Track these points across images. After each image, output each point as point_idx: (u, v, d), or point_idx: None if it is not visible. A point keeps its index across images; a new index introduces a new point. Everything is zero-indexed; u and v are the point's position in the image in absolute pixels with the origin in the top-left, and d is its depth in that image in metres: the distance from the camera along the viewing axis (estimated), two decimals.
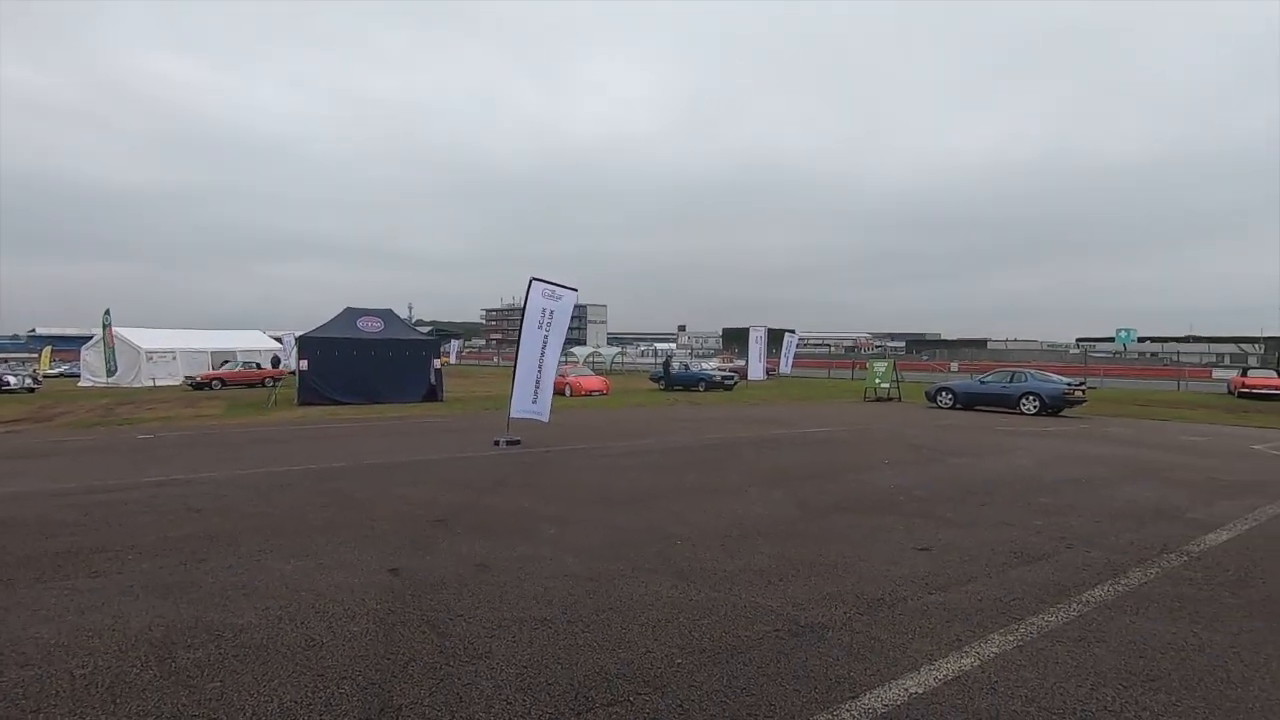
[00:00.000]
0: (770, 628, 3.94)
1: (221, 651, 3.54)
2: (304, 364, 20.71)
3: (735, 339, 70.14)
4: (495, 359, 70.94)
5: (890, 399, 25.17)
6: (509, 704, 3.05)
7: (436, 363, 22.80)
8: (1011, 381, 20.43)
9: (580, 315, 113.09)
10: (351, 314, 22.31)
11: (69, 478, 8.73)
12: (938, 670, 3.42)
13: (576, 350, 57.32)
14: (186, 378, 30.25)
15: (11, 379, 30.08)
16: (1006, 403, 20.11)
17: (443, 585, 4.58)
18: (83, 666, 3.37)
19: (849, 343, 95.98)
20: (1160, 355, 59.96)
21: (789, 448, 12.11)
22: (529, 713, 2.98)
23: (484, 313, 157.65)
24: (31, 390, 30.03)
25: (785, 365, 38.54)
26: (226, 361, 33.25)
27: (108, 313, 32.86)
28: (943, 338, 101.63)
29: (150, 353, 32.89)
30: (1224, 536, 6.21)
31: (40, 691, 3.13)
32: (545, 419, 12.50)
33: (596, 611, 4.16)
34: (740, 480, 8.68)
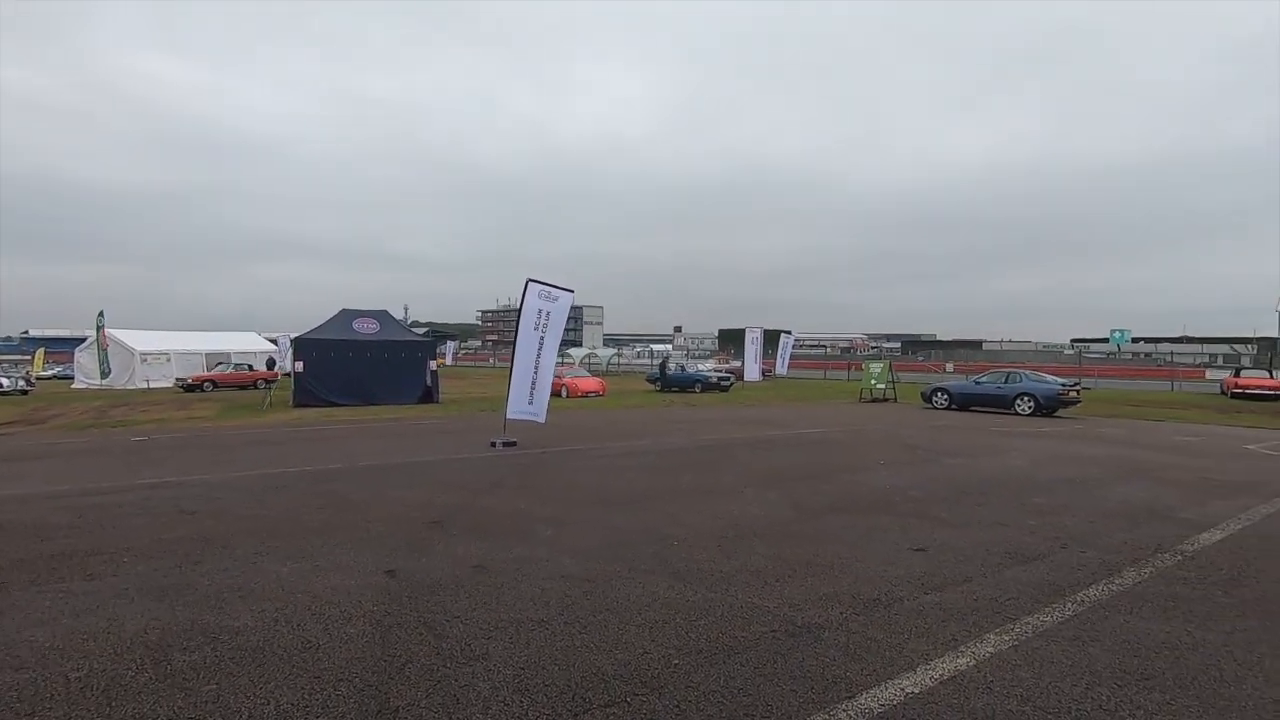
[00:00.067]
0: (767, 628, 3.94)
1: (217, 654, 3.53)
2: (299, 365, 20.64)
3: (731, 340, 70.17)
4: (491, 360, 70.87)
5: (886, 400, 25.23)
6: (506, 705, 3.05)
7: (432, 364, 22.76)
8: (1006, 382, 20.51)
9: (576, 316, 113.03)
10: (347, 315, 22.25)
11: (62, 480, 8.68)
12: (934, 670, 3.43)
13: (572, 351, 57.35)
14: (177, 380, 30.00)
15: (4, 381, 29.91)
16: (1001, 403, 20.18)
17: (439, 587, 4.58)
18: (78, 669, 3.36)
19: (845, 344, 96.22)
20: (1154, 356, 60.35)
21: (785, 449, 12.13)
22: (526, 714, 2.98)
23: (480, 314, 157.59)
24: (25, 392, 29.88)
25: (781, 366, 38.59)
26: (220, 364, 33.12)
27: (101, 314, 32.62)
28: (938, 338, 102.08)
29: (144, 355, 32.71)
30: (1217, 536, 6.25)
31: (35, 695, 3.11)
32: (541, 420, 12.49)
33: (593, 612, 4.16)
34: (736, 481, 8.70)
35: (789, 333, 40.64)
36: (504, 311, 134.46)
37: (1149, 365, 46.73)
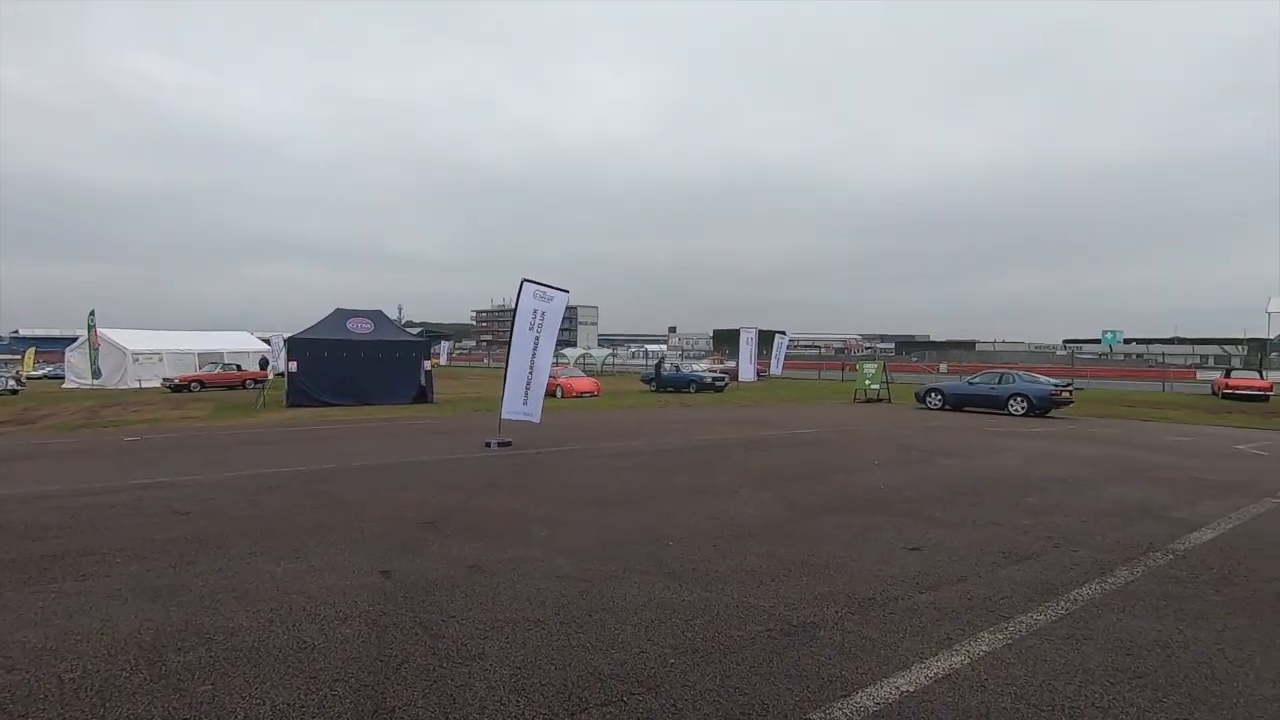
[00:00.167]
0: (762, 627, 3.96)
1: (212, 654, 3.52)
2: (293, 365, 20.56)
3: (726, 340, 70.31)
4: (485, 360, 70.79)
5: (880, 400, 25.31)
6: (502, 705, 3.05)
7: (427, 364, 22.71)
8: (1000, 383, 20.61)
9: (571, 316, 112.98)
10: (341, 315, 22.18)
11: (53, 480, 8.63)
12: (928, 668, 3.45)
13: (567, 352, 57.25)
14: (164, 379, 29.80)
15: None
16: (994, 404, 20.28)
17: (435, 587, 4.57)
18: (71, 670, 3.34)
19: (839, 344, 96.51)
20: (1146, 357, 60.73)
21: (779, 449, 12.16)
22: (523, 713, 2.98)
23: (474, 314, 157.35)
24: (15, 392, 29.66)
25: (776, 367, 38.71)
26: (212, 364, 32.94)
27: (92, 314, 32.50)
28: (931, 339, 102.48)
29: (136, 354, 32.53)
30: (1208, 535, 6.30)
31: (28, 696, 3.09)
32: (536, 420, 12.48)
33: (589, 612, 4.16)
34: (731, 481, 8.71)
35: (783, 333, 40.74)
36: (498, 311, 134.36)
37: (1141, 366, 47.02)
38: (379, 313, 23.31)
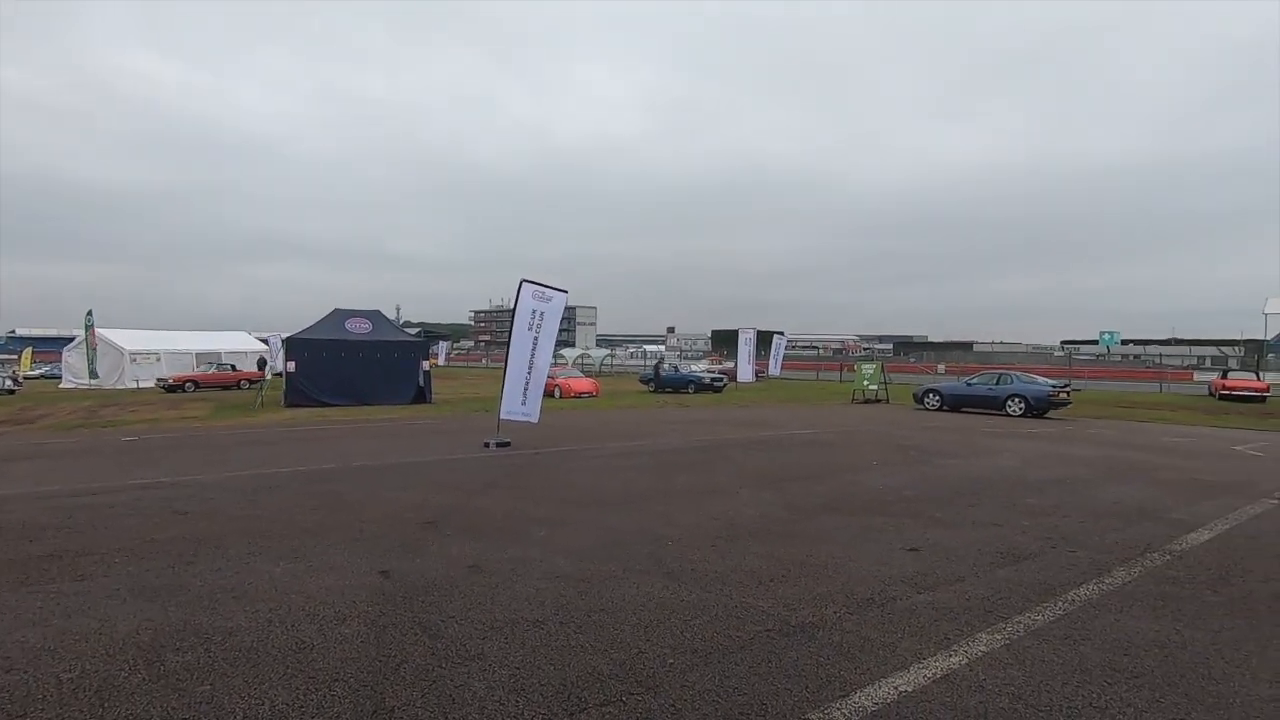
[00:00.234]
0: (761, 628, 3.96)
1: (211, 655, 3.51)
2: (292, 365, 20.55)
3: (724, 341, 70.36)
4: (484, 360, 70.79)
5: (878, 401, 25.34)
6: (502, 705, 3.05)
7: (425, 364, 22.71)
8: (997, 384, 20.66)
9: (569, 317, 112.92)
10: (340, 315, 22.18)
11: (51, 480, 8.61)
12: (927, 669, 3.46)
13: (565, 352, 57.26)
14: (158, 380, 29.74)
15: None
16: (992, 404, 20.32)
17: (434, 587, 4.57)
18: (69, 670, 3.34)
19: (836, 345, 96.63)
20: (1143, 358, 60.82)
21: (778, 449, 12.17)
22: (522, 713, 2.99)
23: (472, 314, 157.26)
24: (12, 392, 29.61)
25: (774, 367, 38.73)
26: (208, 364, 32.90)
27: (90, 314, 32.47)
28: (930, 340, 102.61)
29: (134, 354, 32.49)
30: (1205, 536, 6.31)
31: (26, 696, 3.09)
32: (535, 421, 12.48)
33: (588, 612, 4.16)
34: (730, 482, 8.72)
35: (781, 334, 40.78)
36: (496, 312, 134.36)
37: (1138, 367, 47.10)
38: (377, 313, 23.31)
